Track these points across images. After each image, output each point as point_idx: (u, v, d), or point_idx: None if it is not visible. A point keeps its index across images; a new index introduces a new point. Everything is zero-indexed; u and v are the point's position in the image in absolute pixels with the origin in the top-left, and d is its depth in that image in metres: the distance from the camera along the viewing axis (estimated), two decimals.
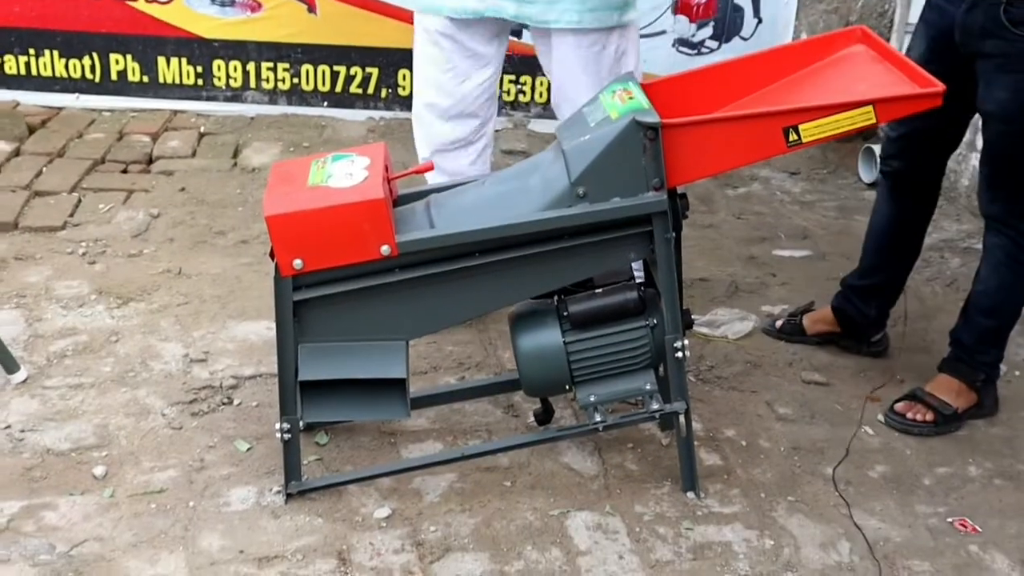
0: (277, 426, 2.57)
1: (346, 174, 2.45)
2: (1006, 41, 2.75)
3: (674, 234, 2.52)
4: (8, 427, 2.82)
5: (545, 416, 2.86)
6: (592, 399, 2.61)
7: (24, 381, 2.99)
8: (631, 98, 2.48)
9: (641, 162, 2.41)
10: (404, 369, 2.52)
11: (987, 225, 3.00)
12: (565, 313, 2.59)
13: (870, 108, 2.38)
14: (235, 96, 4.98)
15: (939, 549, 2.61)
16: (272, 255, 2.43)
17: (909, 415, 3.02)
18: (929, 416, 3.01)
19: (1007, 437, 3.05)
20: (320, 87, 4.97)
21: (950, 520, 2.71)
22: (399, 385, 2.52)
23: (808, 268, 3.93)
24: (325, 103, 5.01)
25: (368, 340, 2.52)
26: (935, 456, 2.95)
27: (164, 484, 2.66)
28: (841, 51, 2.67)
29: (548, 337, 2.59)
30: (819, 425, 3.02)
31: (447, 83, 3.15)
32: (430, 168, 2.61)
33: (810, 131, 2.39)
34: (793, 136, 2.40)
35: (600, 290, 2.61)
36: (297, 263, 2.41)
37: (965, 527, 2.69)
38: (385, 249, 2.41)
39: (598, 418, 2.60)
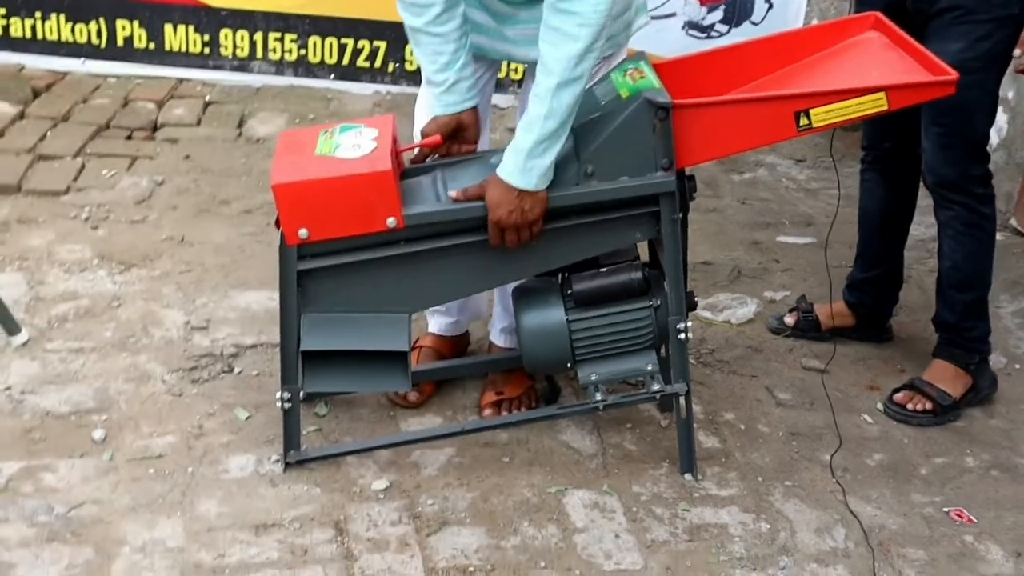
0: (277, 395, 2.57)
1: (354, 145, 2.44)
2: None
3: (681, 215, 2.52)
4: (8, 388, 2.82)
5: (551, 395, 2.87)
6: (593, 378, 2.62)
7: (25, 343, 2.99)
8: (642, 77, 2.47)
9: (650, 142, 2.41)
10: (407, 342, 2.52)
11: (937, 200, 2.99)
12: (569, 291, 2.59)
13: (882, 95, 2.38)
14: (241, 66, 4.95)
15: (934, 538, 2.62)
16: (277, 224, 2.43)
17: (909, 406, 3.02)
18: (928, 406, 3.01)
19: (1005, 429, 3.05)
20: (327, 59, 4.95)
21: (946, 510, 2.71)
22: (401, 358, 2.52)
23: (811, 255, 3.92)
24: (332, 76, 4.99)
25: (371, 312, 2.52)
26: (933, 446, 2.95)
27: (163, 450, 2.66)
28: (854, 37, 2.66)
29: (551, 315, 2.59)
30: (818, 412, 3.02)
31: None
32: (439, 143, 2.60)
33: (821, 116, 2.39)
34: (804, 120, 2.39)
35: (604, 269, 2.61)
36: (302, 232, 2.41)
37: (961, 517, 2.69)
38: (391, 221, 2.41)
39: (599, 397, 2.60)
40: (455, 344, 3.07)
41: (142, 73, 4.90)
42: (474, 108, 2.62)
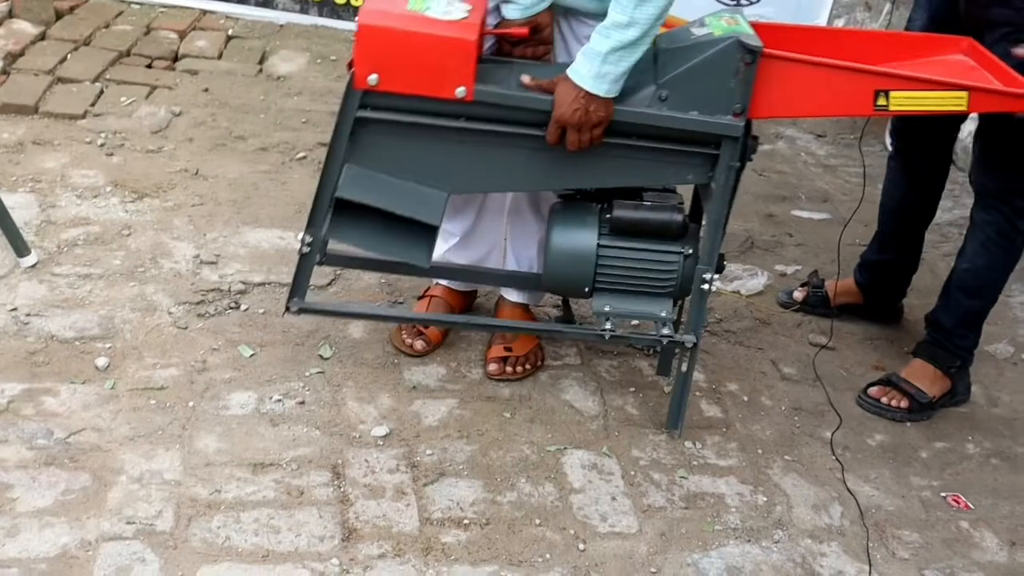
0: (298, 236, 2.55)
1: (445, 11, 2.42)
2: (1013, 10, 2.72)
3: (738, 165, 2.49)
4: (14, 310, 2.81)
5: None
6: (607, 309, 2.61)
7: (33, 266, 2.98)
8: (738, 24, 2.46)
9: (730, 84, 2.39)
10: (439, 217, 2.49)
11: (978, 201, 2.96)
12: (607, 216, 2.57)
13: (965, 94, 2.38)
14: (266, 2, 4.91)
15: (930, 522, 2.62)
16: (350, 65, 2.41)
17: (884, 400, 2.99)
18: (904, 403, 2.98)
19: (1008, 419, 3.04)
20: (353, 1, 4.91)
21: (943, 495, 2.71)
22: (429, 233, 2.50)
23: (825, 231, 3.90)
24: (357, 18, 4.93)
25: (413, 181, 2.50)
26: (934, 431, 2.95)
27: (165, 382, 2.66)
28: (944, 55, 2.65)
29: (584, 235, 2.57)
30: (822, 388, 3.01)
31: None
32: (525, 33, 2.57)
33: (900, 100, 2.38)
34: (882, 100, 2.38)
35: (648, 203, 2.58)
36: (372, 79, 2.38)
37: (958, 503, 2.69)
38: (461, 91, 2.38)
39: (608, 326, 2.59)
40: (464, 297, 3.06)
41: (166, 2, 4.85)
42: (550, 8, 2.60)
